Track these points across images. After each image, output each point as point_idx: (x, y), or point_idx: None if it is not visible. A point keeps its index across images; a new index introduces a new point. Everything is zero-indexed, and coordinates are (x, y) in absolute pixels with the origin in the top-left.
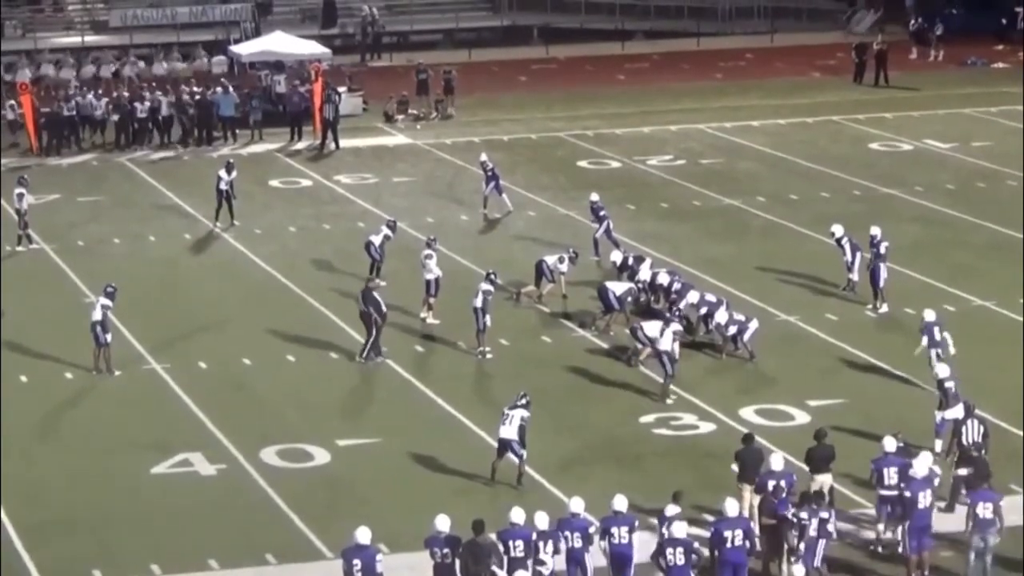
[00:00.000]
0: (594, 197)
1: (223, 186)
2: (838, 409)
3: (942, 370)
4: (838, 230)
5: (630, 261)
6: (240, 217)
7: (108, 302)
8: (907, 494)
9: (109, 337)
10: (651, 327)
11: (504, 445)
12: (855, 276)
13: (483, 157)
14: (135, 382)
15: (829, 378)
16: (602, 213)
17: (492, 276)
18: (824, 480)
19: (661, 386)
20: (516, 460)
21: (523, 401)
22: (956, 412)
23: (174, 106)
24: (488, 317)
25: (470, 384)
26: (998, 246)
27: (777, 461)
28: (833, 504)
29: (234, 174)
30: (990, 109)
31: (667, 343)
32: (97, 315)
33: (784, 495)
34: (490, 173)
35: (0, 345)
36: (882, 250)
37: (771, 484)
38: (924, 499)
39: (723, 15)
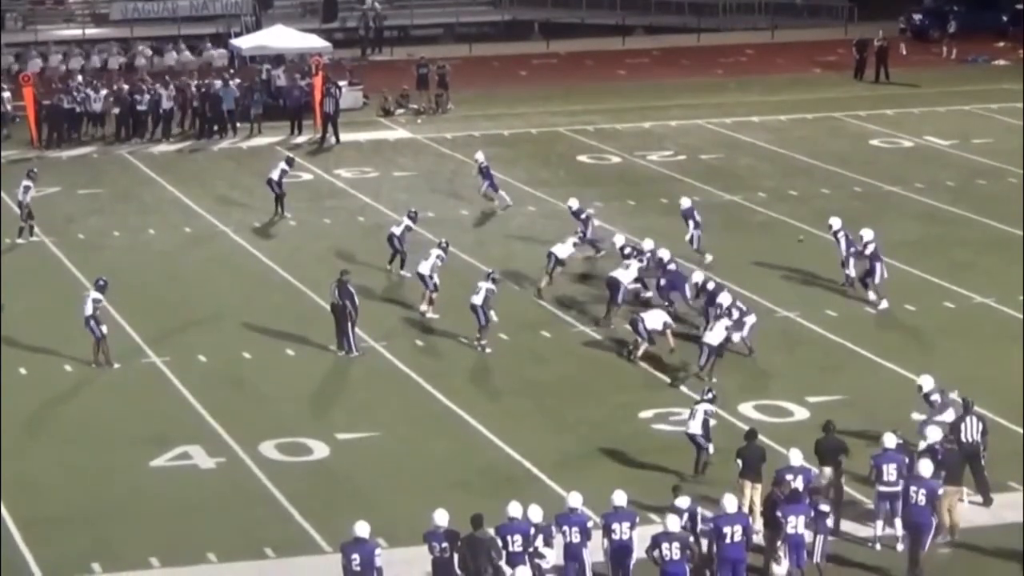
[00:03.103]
0: (572, 203)
1: (284, 179)
2: (838, 406)
3: (926, 383)
4: (836, 223)
5: (627, 250)
6: (240, 211)
7: (99, 296)
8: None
9: (104, 329)
10: (652, 318)
11: (692, 440)
12: (851, 271)
13: (479, 156)
14: (134, 375)
15: (829, 374)
16: (584, 215)
17: (494, 276)
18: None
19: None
20: (704, 453)
21: (709, 395)
22: (946, 416)
23: (176, 99)
24: (492, 312)
25: (469, 379)
26: (998, 243)
27: (796, 457)
28: (841, 497)
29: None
30: (991, 106)
31: (716, 338)
32: (88, 310)
33: (803, 489)
34: (484, 171)
35: (0, 338)
36: (868, 250)
37: (787, 477)
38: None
39: (723, 11)
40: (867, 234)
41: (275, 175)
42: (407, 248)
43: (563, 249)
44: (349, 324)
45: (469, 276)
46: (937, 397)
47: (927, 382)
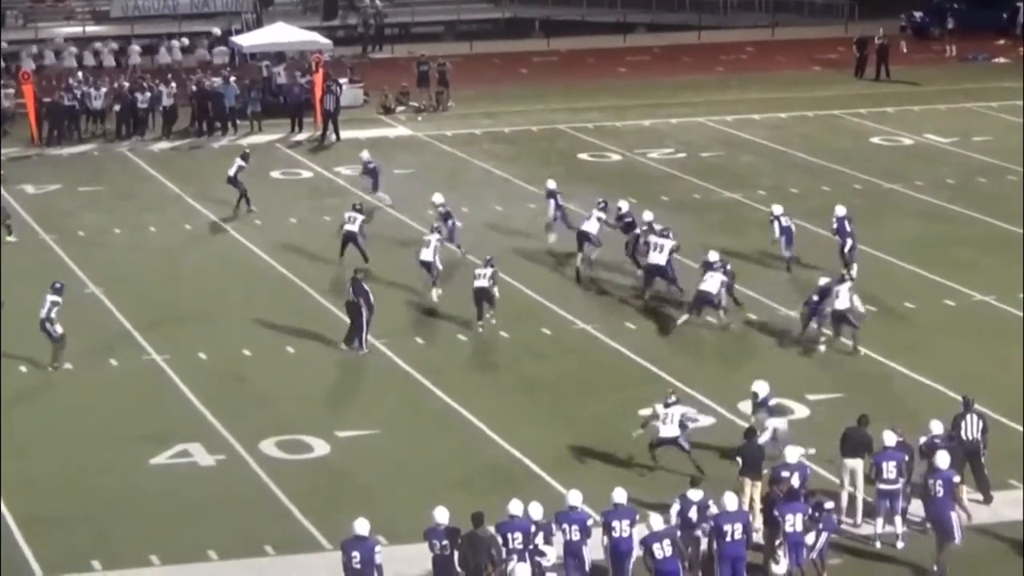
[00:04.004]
0: (436, 198)
1: (240, 175)
2: (837, 403)
3: (761, 388)
4: (776, 209)
5: (628, 219)
6: (240, 209)
7: (57, 298)
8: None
9: (59, 329)
10: (710, 283)
11: (673, 443)
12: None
13: (364, 154)
14: (134, 373)
15: (829, 372)
16: (444, 212)
17: (492, 261)
18: (855, 465)
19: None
20: (685, 453)
21: (673, 399)
22: (776, 423)
23: (177, 96)
24: (495, 292)
25: (470, 376)
26: (998, 241)
27: (792, 454)
28: (859, 489)
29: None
30: (991, 104)
31: (845, 302)
32: (43, 313)
33: (800, 487)
34: (371, 171)
35: (0, 335)
36: (835, 226)
37: (783, 475)
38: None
39: (724, 8)
40: (839, 210)
41: (232, 171)
42: (364, 243)
43: (591, 224)
44: (364, 322)
45: (469, 273)
46: (773, 402)
47: (762, 388)
